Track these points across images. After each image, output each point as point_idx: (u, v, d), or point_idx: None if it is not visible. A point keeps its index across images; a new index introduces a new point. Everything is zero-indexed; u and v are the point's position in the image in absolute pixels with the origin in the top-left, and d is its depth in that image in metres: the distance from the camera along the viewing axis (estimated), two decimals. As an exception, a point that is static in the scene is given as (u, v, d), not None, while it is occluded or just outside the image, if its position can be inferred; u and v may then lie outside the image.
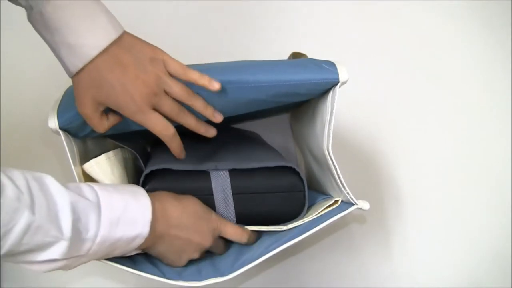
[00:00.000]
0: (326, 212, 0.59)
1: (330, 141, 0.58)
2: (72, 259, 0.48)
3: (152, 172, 0.58)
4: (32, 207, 0.43)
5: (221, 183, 0.60)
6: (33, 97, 0.86)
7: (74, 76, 0.52)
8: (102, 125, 0.55)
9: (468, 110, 0.92)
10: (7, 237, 0.42)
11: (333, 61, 0.59)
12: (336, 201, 0.61)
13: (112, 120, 0.56)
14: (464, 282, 0.72)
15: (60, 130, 0.57)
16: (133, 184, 0.56)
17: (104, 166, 0.58)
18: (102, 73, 0.51)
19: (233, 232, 0.59)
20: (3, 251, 0.43)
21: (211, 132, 0.59)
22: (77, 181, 0.57)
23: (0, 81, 0.86)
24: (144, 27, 0.65)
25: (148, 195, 0.53)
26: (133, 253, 0.56)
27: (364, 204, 0.58)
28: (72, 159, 0.57)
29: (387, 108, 0.92)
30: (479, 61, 1.00)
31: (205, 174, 0.59)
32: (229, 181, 0.60)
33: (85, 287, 0.75)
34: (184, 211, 0.56)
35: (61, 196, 0.46)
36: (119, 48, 0.51)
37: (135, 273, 0.56)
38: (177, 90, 0.54)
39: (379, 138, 0.88)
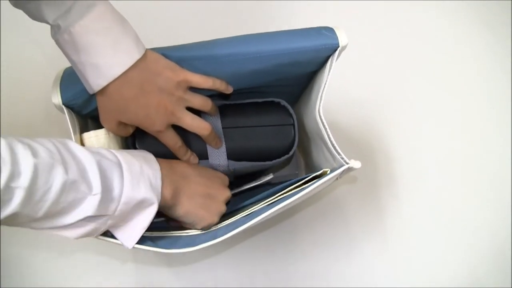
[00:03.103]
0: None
1: (321, 103, 0.58)
2: (101, 221, 0.48)
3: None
4: (64, 165, 0.44)
5: (211, 119, 0.61)
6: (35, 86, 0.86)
7: (97, 95, 0.54)
8: (127, 132, 0.58)
9: (468, 109, 0.92)
10: (47, 196, 0.43)
11: (332, 27, 0.59)
12: (324, 171, 0.60)
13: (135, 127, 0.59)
14: (464, 282, 0.72)
15: (63, 106, 0.58)
16: (142, 150, 0.57)
17: (102, 139, 0.59)
18: (125, 97, 0.54)
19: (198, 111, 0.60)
20: (42, 212, 0.44)
21: (219, 145, 0.62)
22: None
23: (0, 73, 0.86)
24: (145, 25, 0.65)
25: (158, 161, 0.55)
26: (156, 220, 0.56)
27: (355, 163, 0.56)
28: (73, 129, 0.58)
29: (387, 112, 0.93)
30: (479, 61, 1.00)
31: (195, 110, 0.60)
32: (219, 116, 0.62)
33: (85, 287, 0.75)
34: (191, 167, 0.59)
35: (85, 155, 0.47)
36: (142, 71, 0.53)
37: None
38: (197, 102, 0.58)
39: (377, 131, 0.88)
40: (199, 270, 0.76)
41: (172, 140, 0.59)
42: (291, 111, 0.63)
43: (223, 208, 0.59)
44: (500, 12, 1.06)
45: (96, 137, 0.59)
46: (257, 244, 0.77)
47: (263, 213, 0.53)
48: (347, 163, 0.56)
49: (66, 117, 0.58)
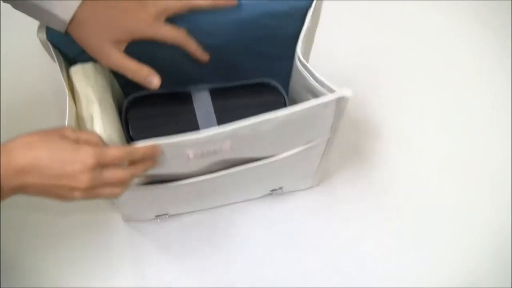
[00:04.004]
0: None
1: (303, 47, 0.58)
2: None
3: (135, 99, 0.60)
4: None
5: (203, 103, 0.61)
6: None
7: (71, 27, 0.53)
8: (141, 66, 0.55)
9: (468, 109, 0.92)
10: None
11: None
12: None
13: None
14: (464, 282, 0.72)
15: (48, 42, 0.57)
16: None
17: (89, 72, 0.58)
18: (99, 9, 0.53)
19: (115, 153, 0.50)
20: None
21: (204, 57, 0.60)
22: (64, 85, 0.57)
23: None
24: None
25: None
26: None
27: (346, 91, 0.53)
28: (59, 65, 0.57)
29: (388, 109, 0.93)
30: (479, 60, 1.00)
31: (187, 95, 0.61)
32: (210, 100, 0.61)
33: (85, 287, 0.75)
34: (43, 159, 0.48)
35: None
36: None
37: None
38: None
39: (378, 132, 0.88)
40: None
41: (172, 33, 0.57)
42: (282, 90, 0.63)
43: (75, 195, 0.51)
44: (500, 12, 1.06)
45: (83, 69, 0.58)
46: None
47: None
48: (335, 90, 0.54)
49: (52, 51, 0.57)
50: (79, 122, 0.58)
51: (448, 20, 1.07)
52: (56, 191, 0.50)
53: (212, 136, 0.53)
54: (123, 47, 0.56)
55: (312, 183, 0.81)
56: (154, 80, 0.56)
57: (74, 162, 0.48)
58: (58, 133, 0.49)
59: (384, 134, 0.89)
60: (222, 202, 0.80)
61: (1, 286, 0.74)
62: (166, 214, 0.78)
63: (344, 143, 0.88)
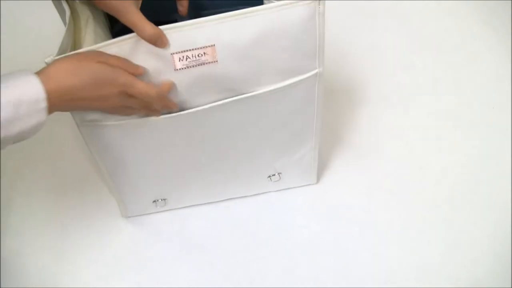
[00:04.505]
0: None
1: None
2: None
3: (121, 31, 0.59)
4: None
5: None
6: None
7: None
8: (154, 27, 0.56)
9: (468, 109, 0.92)
10: None
11: None
12: None
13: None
14: (464, 282, 0.72)
15: None
16: (26, 71, 0.53)
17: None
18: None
19: (142, 88, 0.58)
20: None
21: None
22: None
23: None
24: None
25: (41, 76, 0.52)
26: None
27: None
28: None
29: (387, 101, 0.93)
30: (479, 60, 1.00)
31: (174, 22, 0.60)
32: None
33: (85, 287, 0.75)
34: (83, 82, 0.55)
35: None
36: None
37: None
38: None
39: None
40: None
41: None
42: None
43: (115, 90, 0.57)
44: (500, 12, 1.06)
45: None
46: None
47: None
48: None
49: None
50: (75, 37, 0.60)
51: (448, 20, 1.07)
52: (99, 103, 0.57)
53: (195, 24, 0.55)
54: (139, 4, 0.57)
55: (311, 179, 0.81)
56: (164, 41, 0.57)
57: (110, 86, 0.56)
58: (92, 58, 0.55)
59: (384, 132, 0.89)
60: (222, 193, 0.81)
61: (1, 286, 0.74)
62: (165, 199, 0.78)
63: (343, 142, 0.88)
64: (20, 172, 0.87)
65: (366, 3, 1.10)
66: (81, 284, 0.75)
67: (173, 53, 0.57)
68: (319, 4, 0.58)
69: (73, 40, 0.60)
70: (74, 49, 0.59)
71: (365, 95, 0.95)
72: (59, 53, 0.55)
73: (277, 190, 0.82)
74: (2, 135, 0.50)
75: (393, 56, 1.01)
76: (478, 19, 1.06)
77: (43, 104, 0.52)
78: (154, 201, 0.78)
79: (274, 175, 0.78)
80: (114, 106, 0.58)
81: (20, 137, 0.52)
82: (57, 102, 0.53)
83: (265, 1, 0.63)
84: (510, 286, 0.71)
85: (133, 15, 0.56)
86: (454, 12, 1.08)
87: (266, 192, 0.82)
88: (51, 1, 0.62)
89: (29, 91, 0.51)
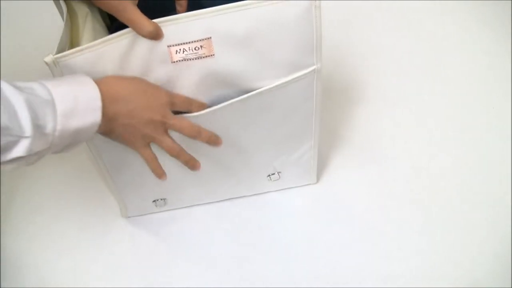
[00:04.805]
0: None
1: None
2: (38, 154, 0.51)
3: (121, 26, 0.59)
4: None
5: None
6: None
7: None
8: (151, 22, 0.56)
9: (468, 109, 0.92)
10: None
11: None
12: None
13: None
14: (464, 282, 0.72)
15: None
16: (80, 74, 0.56)
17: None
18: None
19: (183, 100, 0.62)
20: None
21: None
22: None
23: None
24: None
25: (95, 81, 0.55)
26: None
27: None
28: None
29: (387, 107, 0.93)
30: (479, 60, 1.00)
31: None
32: None
33: (85, 286, 0.75)
34: (132, 91, 0.58)
35: (15, 97, 0.48)
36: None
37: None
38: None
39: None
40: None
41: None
42: None
43: (146, 131, 0.59)
44: (500, 12, 1.06)
45: None
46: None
47: None
48: None
49: None
50: (73, 35, 0.61)
51: (448, 19, 1.07)
52: (141, 121, 0.58)
53: (191, 16, 0.56)
54: (137, 1, 0.58)
55: (311, 178, 0.81)
56: (160, 34, 0.57)
57: (157, 97, 0.59)
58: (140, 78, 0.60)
59: (384, 131, 0.89)
60: (222, 193, 0.81)
61: (1, 286, 0.74)
62: (165, 199, 0.78)
63: (343, 142, 0.88)
64: (20, 172, 0.87)
65: (366, 3, 1.10)
66: (81, 284, 0.75)
67: (170, 46, 0.58)
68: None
69: (70, 37, 0.60)
70: (72, 46, 0.59)
71: (364, 95, 0.95)
72: (58, 51, 0.56)
73: (277, 190, 0.82)
74: (60, 126, 0.51)
75: (393, 56, 1.01)
76: (477, 19, 1.06)
77: (98, 102, 0.53)
78: (154, 201, 0.78)
79: (273, 174, 0.78)
80: (153, 121, 0.59)
81: (74, 137, 0.53)
82: (107, 105, 0.54)
83: None
84: (510, 286, 0.71)
85: (130, 12, 0.56)
86: (453, 12, 1.08)
87: (266, 192, 0.82)
88: (51, 1, 0.62)
89: (85, 88, 0.53)
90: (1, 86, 0.48)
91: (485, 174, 0.83)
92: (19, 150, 0.48)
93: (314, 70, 0.64)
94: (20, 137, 0.48)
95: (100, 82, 0.55)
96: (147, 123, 0.59)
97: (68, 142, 0.53)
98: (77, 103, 0.52)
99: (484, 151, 0.86)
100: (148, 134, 0.60)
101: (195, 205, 0.81)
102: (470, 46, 1.02)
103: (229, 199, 0.82)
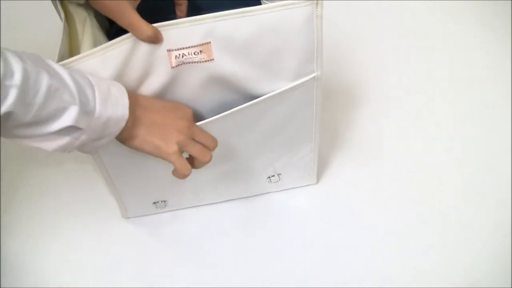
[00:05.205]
0: None
1: None
2: (76, 135, 0.52)
3: (120, 30, 0.59)
4: (48, 72, 0.48)
5: None
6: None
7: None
8: (150, 26, 0.56)
9: (468, 109, 0.92)
10: (36, 99, 0.46)
11: None
12: None
13: None
14: (464, 282, 0.72)
15: None
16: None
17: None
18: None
19: (203, 137, 0.63)
20: (30, 116, 0.47)
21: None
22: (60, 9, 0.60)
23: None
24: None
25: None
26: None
27: None
28: None
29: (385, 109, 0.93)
30: (479, 60, 1.00)
31: None
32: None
33: (86, 287, 0.75)
34: (154, 99, 0.60)
35: (60, 68, 0.50)
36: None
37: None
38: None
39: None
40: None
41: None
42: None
43: (180, 138, 0.59)
44: (500, 12, 1.06)
45: None
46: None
47: None
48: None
49: None
50: (73, 41, 0.61)
51: (448, 20, 1.07)
52: (161, 131, 0.59)
53: (191, 21, 0.56)
54: (136, 4, 0.58)
55: (311, 179, 0.81)
56: (160, 38, 0.57)
57: (179, 109, 0.61)
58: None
59: (384, 132, 0.89)
60: (222, 194, 0.80)
61: (1, 286, 0.74)
62: (165, 201, 0.78)
63: (343, 142, 0.88)
64: (20, 172, 0.87)
65: (366, 3, 1.10)
66: (81, 284, 0.75)
67: (170, 50, 0.57)
68: (316, 6, 0.57)
69: (70, 43, 0.60)
70: (72, 52, 0.59)
71: (364, 95, 0.95)
72: (58, 59, 0.55)
73: (277, 191, 0.82)
74: (98, 107, 0.51)
75: (392, 56, 1.01)
76: (477, 19, 1.06)
77: (126, 100, 0.54)
78: (154, 202, 0.78)
79: (273, 176, 0.78)
80: (183, 126, 0.60)
81: (104, 129, 0.53)
82: (132, 106, 0.55)
83: (262, 2, 0.63)
84: (510, 286, 0.71)
85: (129, 16, 0.56)
86: (453, 12, 1.08)
87: (266, 193, 0.82)
88: (50, 1, 0.62)
89: (114, 84, 0.55)
90: (45, 58, 0.49)
91: (485, 174, 0.83)
92: (68, 118, 0.49)
93: (314, 77, 0.64)
94: (69, 104, 0.49)
95: (130, 92, 0.57)
96: (179, 129, 0.59)
97: (97, 134, 0.54)
98: (110, 93, 0.53)
99: (484, 151, 0.86)
100: (181, 139, 0.59)
101: (195, 206, 0.81)
102: (470, 46, 1.02)
103: (229, 200, 0.82)
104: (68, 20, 0.60)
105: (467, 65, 0.99)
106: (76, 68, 0.54)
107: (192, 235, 0.79)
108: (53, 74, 0.48)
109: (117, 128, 0.55)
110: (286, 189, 0.82)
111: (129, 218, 0.81)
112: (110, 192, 0.76)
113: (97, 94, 0.52)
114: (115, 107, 0.53)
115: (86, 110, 0.51)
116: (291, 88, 0.64)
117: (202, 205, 0.81)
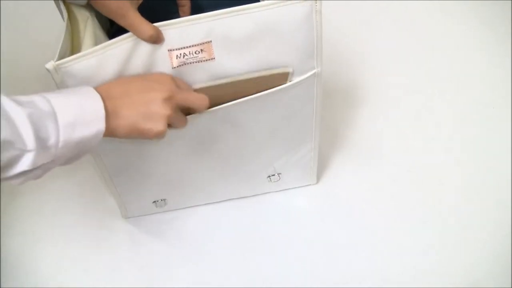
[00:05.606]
0: None
1: None
2: (43, 168, 0.51)
3: (120, 29, 0.59)
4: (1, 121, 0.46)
5: None
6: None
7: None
8: (152, 26, 0.56)
9: (468, 109, 0.92)
10: None
11: None
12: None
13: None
14: (464, 282, 0.72)
15: None
16: (83, 86, 0.55)
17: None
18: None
19: (192, 98, 0.59)
20: None
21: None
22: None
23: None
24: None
25: (97, 88, 0.54)
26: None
27: None
28: None
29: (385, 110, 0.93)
30: (479, 61, 1.00)
31: None
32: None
33: (85, 287, 0.75)
34: (130, 82, 0.57)
35: (16, 111, 0.48)
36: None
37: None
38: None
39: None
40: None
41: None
42: None
43: (166, 112, 0.55)
44: (500, 12, 1.06)
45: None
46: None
47: None
48: None
49: None
50: (74, 40, 0.61)
51: (448, 20, 1.07)
52: (145, 114, 0.55)
53: (191, 20, 0.56)
54: (137, 5, 0.58)
55: (311, 179, 0.81)
56: (161, 38, 0.57)
57: (158, 82, 0.57)
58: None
59: (384, 132, 0.89)
60: (222, 194, 0.80)
61: (1, 286, 0.74)
62: (165, 199, 0.78)
63: (343, 142, 0.88)
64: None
65: (366, 3, 1.10)
66: (81, 284, 0.75)
67: (170, 50, 0.58)
68: (316, 2, 0.58)
69: (71, 42, 0.60)
70: (73, 52, 0.59)
71: (364, 95, 0.95)
72: (59, 58, 0.55)
73: (277, 191, 0.82)
74: (63, 138, 0.50)
75: (392, 56, 1.01)
76: (477, 19, 1.06)
77: (102, 111, 0.52)
78: (154, 201, 0.78)
79: (273, 175, 0.78)
80: (159, 98, 0.56)
81: (79, 148, 0.52)
82: (109, 105, 0.53)
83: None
84: (510, 287, 0.71)
85: (131, 16, 0.56)
86: (453, 12, 1.08)
87: (266, 193, 0.82)
88: (51, 1, 0.62)
89: (87, 98, 0.53)
90: (1, 101, 0.47)
91: (485, 174, 0.83)
92: (24, 164, 0.48)
93: (314, 74, 0.64)
94: (23, 151, 0.48)
95: (101, 88, 0.55)
96: (162, 105, 0.55)
97: (73, 154, 0.53)
98: (79, 113, 0.51)
99: (484, 151, 0.86)
100: (167, 115, 0.56)
101: (195, 205, 0.81)
102: (470, 46, 1.02)
103: (229, 199, 0.82)
104: (71, 19, 0.60)
105: (467, 65, 0.99)
106: (43, 94, 0.51)
107: (192, 235, 0.79)
108: (4, 125, 0.46)
109: (95, 142, 0.53)
110: (286, 189, 0.82)
111: (129, 218, 0.81)
112: (110, 191, 0.76)
113: (60, 123, 0.50)
114: (87, 127, 0.52)
115: (47, 145, 0.49)
116: (291, 84, 0.64)
117: (202, 204, 0.81)
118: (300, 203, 0.81)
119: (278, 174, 0.78)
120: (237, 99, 0.64)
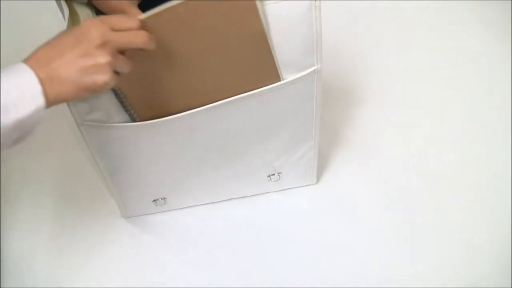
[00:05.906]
0: None
1: None
2: None
3: None
4: None
5: None
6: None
7: None
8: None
9: (468, 109, 0.92)
10: None
11: None
12: None
13: None
14: (464, 283, 0.72)
15: None
16: (14, 64, 0.53)
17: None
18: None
19: (129, 37, 0.53)
20: None
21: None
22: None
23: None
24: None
25: (27, 61, 0.52)
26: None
27: None
28: None
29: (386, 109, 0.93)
30: (479, 61, 1.00)
31: None
32: None
33: (85, 287, 0.75)
34: (57, 43, 0.53)
35: None
36: None
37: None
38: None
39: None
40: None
41: None
42: None
43: (102, 59, 0.51)
44: (500, 12, 1.06)
45: None
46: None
47: None
48: None
49: None
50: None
51: (447, 19, 1.07)
52: (79, 66, 0.51)
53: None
54: (137, 3, 0.58)
55: (311, 179, 0.81)
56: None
57: (84, 33, 0.51)
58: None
59: (384, 131, 0.89)
60: (222, 193, 0.81)
61: (1, 286, 0.74)
62: (165, 198, 0.78)
63: (343, 142, 0.88)
64: (20, 172, 0.87)
65: (365, 2, 1.10)
66: (81, 284, 0.75)
67: None
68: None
69: None
70: None
71: (364, 95, 0.95)
72: None
73: (277, 191, 0.82)
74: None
75: (392, 56, 1.01)
76: (477, 19, 1.06)
77: (38, 86, 0.49)
78: (154, 200, 0.78)
79: (273, 174, 0.78)
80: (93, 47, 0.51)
81: (20, 128, 0.49)
82: (38, 69, 0.50)
83: None
84: (510, 287, 0.71)
85: (132, 14, 0.56)
86: (453, 12, 1.08)
87: (266, 193, 0.82)
88: (51, 1, 0.63)
89: (19, 75, 0.50)
90: None
91: (485, 174, 0.83)
92: None
93: (314, 70, 0.64)
94: None
95: (29, 58, 0.52)
96: (98, 53, 0.51)
97: (16, 135, 0.50)
98: (12, 95, 0.48)
99: (484, 151, 0.86)
100: (109, 61, 0.51)
101: (195, 205, 0.81)
102: (470, 46, 1.02)
103: (229, 199, 0.82)
104: (72, 17, 0.60)
105: (467, 65, 0.99)
106: None
107: (191, 235, 0.79)
108: None
109: (37, 118, 0.50)
110: (286, 189, 0.82)
111: (129, 217, 0.81)
112: (109, 191, 0.76)
113: None
114: (24, 105, 0.48)
115: None
116: (291, 81, 0.64)
117: (202, 204, 0.81)
118: (300, 202, 0.81)
119: (278, 173, 0.78)
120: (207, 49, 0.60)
